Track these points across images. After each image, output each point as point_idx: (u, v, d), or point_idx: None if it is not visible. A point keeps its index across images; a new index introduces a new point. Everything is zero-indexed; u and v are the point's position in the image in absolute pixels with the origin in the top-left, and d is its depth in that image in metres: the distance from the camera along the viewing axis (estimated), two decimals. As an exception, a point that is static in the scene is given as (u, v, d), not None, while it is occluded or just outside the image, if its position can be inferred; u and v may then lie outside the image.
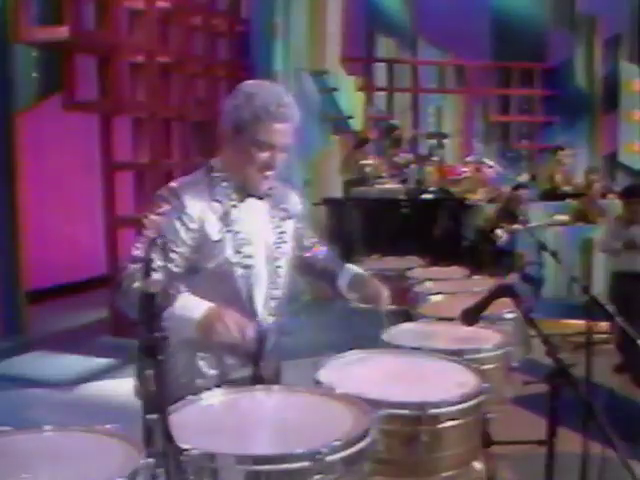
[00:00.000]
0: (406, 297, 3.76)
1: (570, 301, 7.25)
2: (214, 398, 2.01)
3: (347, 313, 5.78)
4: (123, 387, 5.00)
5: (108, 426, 1.79)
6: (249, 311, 2.19)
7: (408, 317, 3.25)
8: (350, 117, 9.26)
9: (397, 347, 2.55)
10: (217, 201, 2.17)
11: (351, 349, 2.46)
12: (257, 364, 2.26)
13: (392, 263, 4.51)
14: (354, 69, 10.39)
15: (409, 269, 4.23)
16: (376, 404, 1.93)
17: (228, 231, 2.15)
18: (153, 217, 2.10)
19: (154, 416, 1.47)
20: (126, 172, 7.08)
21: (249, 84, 2.19)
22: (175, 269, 2.08)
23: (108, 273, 6.69)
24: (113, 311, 6.56)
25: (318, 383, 2.14)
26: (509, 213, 7.31)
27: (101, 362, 5.82)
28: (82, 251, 8.34)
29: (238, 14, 8.47)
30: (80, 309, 7.61)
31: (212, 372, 2.20)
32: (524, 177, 10.23)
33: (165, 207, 2.11)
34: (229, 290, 2.16)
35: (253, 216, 2.23)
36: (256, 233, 2.23)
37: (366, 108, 10.51)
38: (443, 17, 11.35)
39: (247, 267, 2.18)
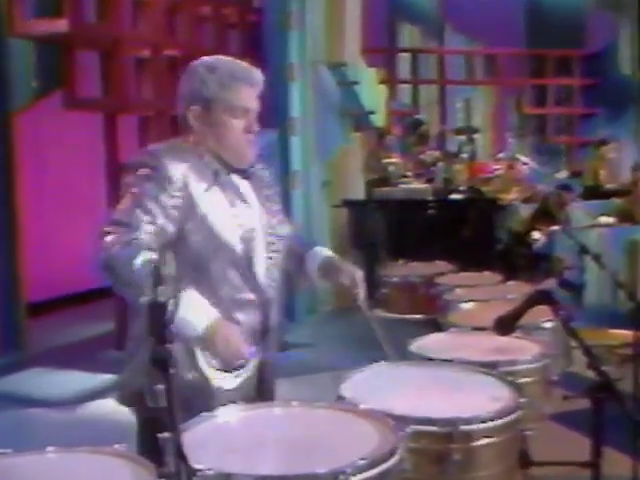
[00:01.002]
0: (435, 305, 3.76)
1: (615, 309, 7.18)
2: (230, 415, 2.02)
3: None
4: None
5: (116, 446, 1.80)
6: (251, 281, 2.18)
7: (437, 327, 3.24)
8: (372, 112, 9.26)
9: (426, 359, 2.56)
10: (205, 164, 2.16)
11: (376, 361, 2.47)
12: (265, 339, 2.24)
13: (419, 269, 4.50)
14: (375, 60, 10.39)
15: (438, 275, 4.23)
16: (404, 420, 1.93)
17: (220, 189, 2.13)
18: (131, 181, 2.10)
19: (165, 434, 1.48)
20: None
21: (203, 60, 2.27)
22: (155, 236, 2.03)
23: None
24: (118, 323, 6.60)
25: (341, 398, 2.15)
26: (547, 214, 7.27)
27: (105, 378, 5.83)
28: (85, 260, 8.38)
29: (250, 3, 8.50)
30: (83, 322, 7.67)
31: (215, 361, 2.15)
32: (563, 174, 10.18)
33: (143, 171, 2.10)
34: (228, 259, 2.12)
35: (242, 183, 2.25)
36: (249, 195, 2.24)
37: (389, 102, 10.51)
38: (472, 2, 11.33)
39: (246, 230, 2.16)
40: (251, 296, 2.19)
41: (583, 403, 1.94)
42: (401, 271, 4.52)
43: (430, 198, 8.50)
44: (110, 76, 6.37)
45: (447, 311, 3.45)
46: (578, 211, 7.84)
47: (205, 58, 2.29)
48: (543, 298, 2.20)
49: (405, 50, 12.21)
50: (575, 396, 2.03)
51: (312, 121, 7.88)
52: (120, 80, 6.38)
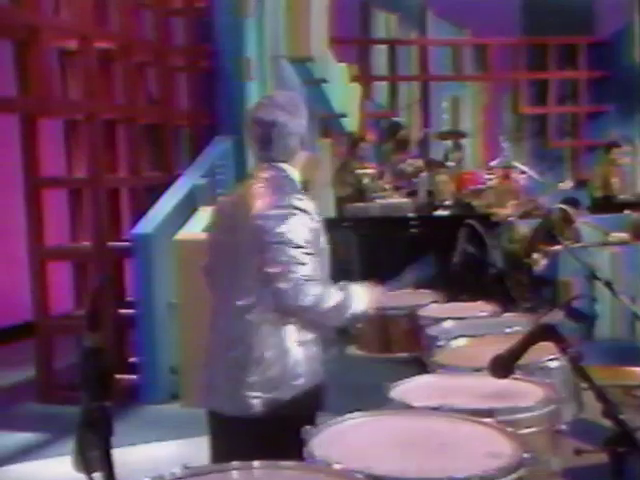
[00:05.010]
0: (418, 342, 3.75)
1: (633, 343, 7.25)
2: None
3: (346, 361, 5.72)
4: (52, 470, 4.96)
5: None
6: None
7: (422, 368, 3.24)
8: (342, 115, 9.30)
9: (409, 407, 2.54)
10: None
11: (351, 411, 2.45)
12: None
13: (400, 299, 4.49)
14: (346, 54, 10.46)
15: (421, 306, 4.23)
16: (385, 483, 1.92)
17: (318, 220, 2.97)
18: (290, 227, 2.78)
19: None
20: (57, 190, 7.05)
21: (293, 99, 3.08)
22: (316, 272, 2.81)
23: (34, 320, 6.64)
24: (40, 369, 6.50)
25: (310, 456, 2.12)
26: (550, 232, 7.32)
27: (22, 438, 5.75)
28: None
29: (197, -15, 8.51)
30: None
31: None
32: (567, 184, 10.27)
33: (295, 218, 2.80)
34: (325, 272, 2.93)
35: None
36: None
37: (362, 103, 10.58)
38: (458, -16, 11.47)
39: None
40: None
41: (599, 458, 1.93)
42: (378, 302, 4.50)
43: (411, 215, 8.54)
44: (27, 71, 6.30)
45: (433, 349, 3.45)
46: (586, 227, 7.90)
47: (290, 94, 3.33)
48: (547, 332, 2.20)
49: (381, 41, 12.31)
50: (589, 450, 2.03)
51: (272, 126, 7.86)
52: (40, 76, 6.32)
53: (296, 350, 2.80)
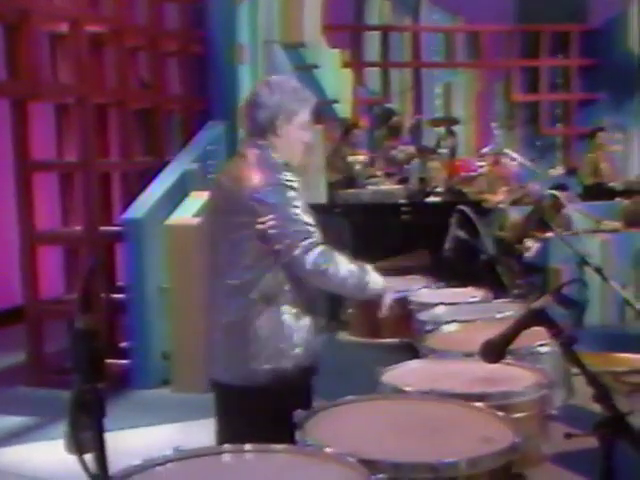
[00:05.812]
0: (410, 327, 3.76)
1: (622, 330, 7.28)
2: (169, 464, 2.00)
3: (338, 347, 5.74)
4: (42, 453, 4.96)
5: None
6: None
7: (413, 353, 3.24)
8: (335, 101, 9.28)
9: (401, 391, 2.55)
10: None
11: (343, 396, 2.45)
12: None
13: (391, 284, 4.50)
14: (339, 40, 10.43)
15: (413, 291, 4.23)
16: (376, 466, 1.92)
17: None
18: (286, 201, 2.86)
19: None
20: (48, 174, 7.02)
21: (283, 79, 3.27)
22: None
23: (24, 305, 6.63)
24: (31, 353, 6.50)
25: (302, 440, 2.12)
26: (541, 219, 7.33)
27: (12, 421, 5.74)
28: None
29: (189, -30, 8.47)
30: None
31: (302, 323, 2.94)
32: (558, 171, 10.27)
33: (289, 192, 2.87)
34: None
35: None
36: None
37: (355, 89, 10.55)
38: (451, -29, 11.43)
39: None
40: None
41: (589, 442, 1.94)
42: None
43: (403, 201, 8.53)
44: (18, 55, 6.27)
45: (425, 334, 3.45)
46: (577, 214, 7.91)
47: (281, 78, 3.35)
48: (539, 317, 2.20)
49: (374, 28, 12.27)
50: (579, 434, 2.03)
51: (264, 111, 7.84)
52: (30, 60, 6.29)
53: (291, 322, 2.89)
